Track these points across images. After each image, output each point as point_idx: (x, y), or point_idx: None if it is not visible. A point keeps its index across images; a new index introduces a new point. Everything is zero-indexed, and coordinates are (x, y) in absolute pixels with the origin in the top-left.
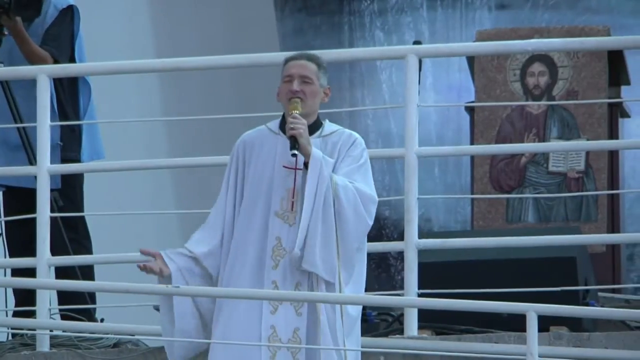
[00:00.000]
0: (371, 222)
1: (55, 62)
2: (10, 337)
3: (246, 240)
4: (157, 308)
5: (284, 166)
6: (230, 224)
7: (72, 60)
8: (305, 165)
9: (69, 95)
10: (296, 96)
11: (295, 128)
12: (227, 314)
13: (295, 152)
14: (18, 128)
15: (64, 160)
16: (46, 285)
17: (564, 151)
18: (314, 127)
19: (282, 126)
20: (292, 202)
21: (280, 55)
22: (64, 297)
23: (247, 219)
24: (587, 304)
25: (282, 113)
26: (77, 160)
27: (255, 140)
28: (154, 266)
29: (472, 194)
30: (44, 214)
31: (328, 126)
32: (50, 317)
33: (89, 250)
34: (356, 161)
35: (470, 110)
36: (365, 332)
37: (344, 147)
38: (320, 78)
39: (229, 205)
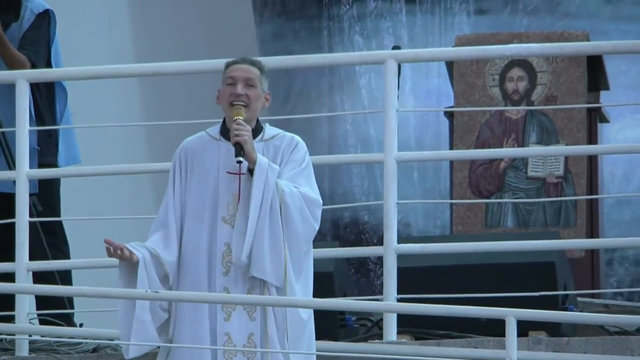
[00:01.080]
0: (317, 226)
1: (33, 66)
2: None
3: (197, 248)
4: None
5: (227, 172)
6: (180, 232)
7: (48, 64)
8: (250, 171)
9: (46, 100)
10: (240, 100)
11: (240, 135)
12: (181, 321)
13: (241, 159)
14: None
15: (41, 164)
16: (25, 290)
17: (543, 156)
18: (255, 131)
19: (223, 132)
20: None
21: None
22: (43, 302)
23: (195, 227)
24: (566, 309)
25: (222, 119)
26: (55, 164)
27: (196, 147)
28: (125, 249)
29: (451, 199)
30: (22, 219)
31: (269, 130)
32: (29, 322)
33: (66, 255)
34: (299, 165)
35: (449, 115)
36: (344, 337)
37: (287, 151)
38: (263, 83)
39: (177, 213)
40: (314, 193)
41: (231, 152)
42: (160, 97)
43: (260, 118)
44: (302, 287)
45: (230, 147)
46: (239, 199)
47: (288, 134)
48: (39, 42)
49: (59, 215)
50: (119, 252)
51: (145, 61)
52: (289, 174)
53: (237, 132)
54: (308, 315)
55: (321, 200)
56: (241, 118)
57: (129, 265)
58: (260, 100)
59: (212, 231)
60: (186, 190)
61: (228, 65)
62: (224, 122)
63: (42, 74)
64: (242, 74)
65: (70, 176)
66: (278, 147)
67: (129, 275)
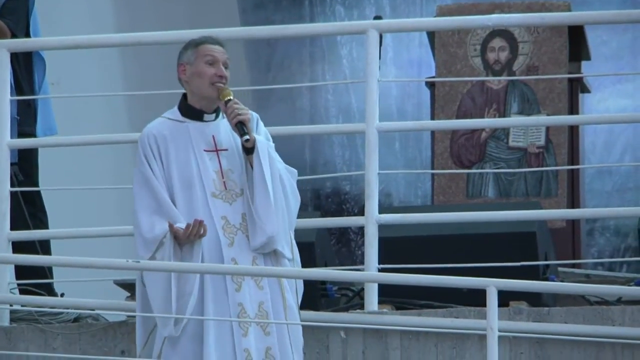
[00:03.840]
0: (299, 196)
1: (13, 35)
2: None
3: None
4: (117, 283)
5: (205, 150)
6: None
7: (27, 34)
8: (246, 149)
9: (25, 70)
10: (221, 82)
11: (242, 114)
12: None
13: (248, 137)
14: None
15: (20, 134)
16: (7, 260)
17: (524, 126)
18: (218, 109)
19: (187, 112)
20: (224, 182)
21: (242, 30)
22: (23, 271)
23: (187, 206)
24: (547, 279)
25: (180, 98)
26: (33, 134)
27: (164, 132)
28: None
29: (433, 169)
30: (3, 189)
31: None
32: (10, 292)
33: (45, 225)
34: (267, 139)
35: (430, 85)
36: (325, 307)
37: (253, 127)
38: None
39: (168, 196)
40: (287, 165)
41: (202, 130)
42: (140, 67)
43: (242, 88)
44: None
45: (199, 126)
46: (222, 174)
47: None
48: (18, 12)
49: (37, 185)
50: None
51: (126, 31)
52: None
53: (239, 111)
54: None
55: (296, 171)
56: (231, 98)
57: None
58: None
59: (205, 207)
60: (168, 173)
61: (201, 43)
62: (184, 102)
63: (22, 43)
64: (221, 56)
65: (51, 146)
66: None
67: (176, 251)
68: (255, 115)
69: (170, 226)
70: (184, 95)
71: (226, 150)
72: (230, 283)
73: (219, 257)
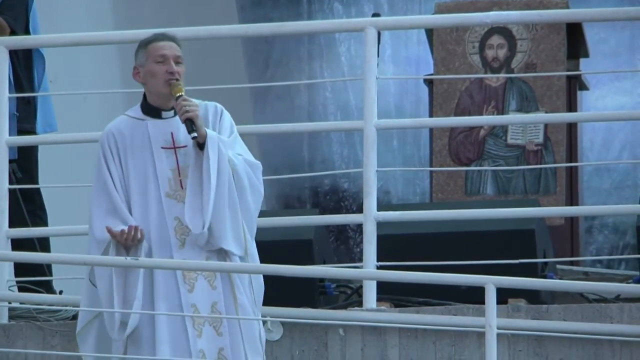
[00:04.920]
0: (262, 190)
1: (12, 32)
2: None
3: (147, 227)
4: None
5: (162, 147)
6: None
7: (26, 31)
8: (199, 145)
9: (24, 67)
10: (173, 78)
11: (190, 110)
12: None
13: (195, 134)
14: None
15: (20, 131)
16: (4, 257)
17: (523, 124)
18: None
19: (147, 110)
20: (180, 181)
21: (240, 28)
22: (22, 269)
23: (141, 207)
24: (545, 277)
25: (142, 95)
26: (33, 131)
27: (123, 130)
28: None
29: (431, 166)
30: (2, 186)
31: None
32: (9, 289)
33: (45, 222)
34: (231, 131)
35: (429, 82)
36: (324, 304)
37: (215, 120)
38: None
39: (122, 197)
40: (251, 157)
41: (160, 127)
42: None
43: (240, 85)
44: (255, 255)
45: (158, 123)
46: (179, 172)
47: (209, 103)
48: (17, 8)
49: (36, 182)
50: (132, 234)
51: (124, 29)
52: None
53: (187, 108)
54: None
55: (260, 163)
56: (183, 94)
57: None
58: (183, 77)
59: (159, 207)
60: (125, 173)
61: (149, 42)
62: (144, 100)
63: (21, 40)
64: (171, 52)
65: (49, 143)
66: (204, 116)
67: (120, 253)
68: (219, 107)
69: (109, 230)
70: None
71: (185, 147)
72: (182, 284)
73: (168, 257)
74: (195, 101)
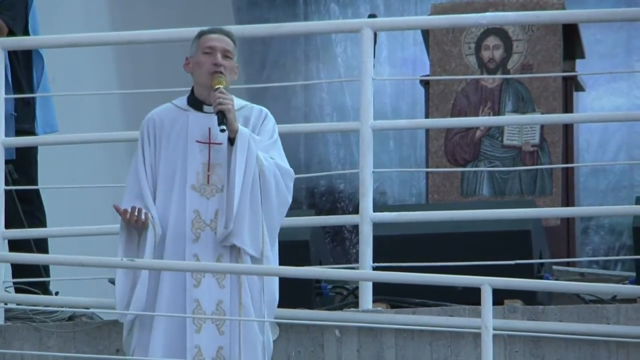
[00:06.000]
0: (290, 198)
1: (10, 31)
2: None
3: (166, 216)
4: (112, 281)
5: (197, 141)
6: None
7: (26, 31)
8: (230, 140)
9: (24, 68)
10: (219, 70)
11: (224, 103)
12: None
13: (224, 127)
14: None
15: (19, 131)
16: (2, 258)
17: (519, 125)
18: None
19: (192, 102)
20: (208, 176)
21: (236, 29)
22: (19, 270)
23: (164, 196)
24: (541, 277)
25: (191, 88)
26: (32, 132)
27: (164, 118)
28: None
29: (427, 167)
30: None
31: (237, 101)
32: (5, 290)
33: (43, 223)
34: (270, 136)
35: (425, 83)
36: (320, 305)
37: (257, 122)
38: (235, 55)
39: (150, 184)
40: (287, 165)
41: (200, 121)
42: (135, 66)
43: (236, 86)
44: (274, 259)
45: (199, 116)
46: (209, 167)
47: (256, 105)
48: (16, 8)
49: (36, 183)
50: (135, 216)
51: (121, 30)
52: (261, 145)
53: (220, 101)
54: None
55: (293, 172)
56: (222, 86)
57: (130, 228)
58: (233, 72)
59: (181, 198)
60: (157, 160)
61: (203, 34)
62: (191, 92)
63: (18, 41)
64: (220, 45)
65: (45, 144)
66: (247, 117)
67: (129, 237)
68: (264, 111)
69: (116, 207)
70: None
71: (220, 144)
72: (189, 278)
73: (181, 251)
74: (241, 102)
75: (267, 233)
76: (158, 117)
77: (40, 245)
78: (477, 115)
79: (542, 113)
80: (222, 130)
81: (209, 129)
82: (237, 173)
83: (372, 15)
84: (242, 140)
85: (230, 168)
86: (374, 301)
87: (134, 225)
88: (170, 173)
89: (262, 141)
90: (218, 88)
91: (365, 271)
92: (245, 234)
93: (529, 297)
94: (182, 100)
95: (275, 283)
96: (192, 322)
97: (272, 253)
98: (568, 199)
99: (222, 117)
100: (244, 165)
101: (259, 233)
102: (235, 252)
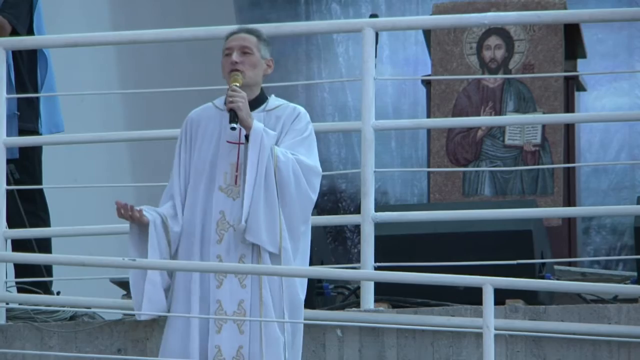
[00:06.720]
0: (315, 195)
1: (13, 30)
2: None
3: (193, 217)
4: (114, 281)
5: (227, 141)
6: (184, 203)
7: (30, 30)
8: (247, 138)
9: (28, 67)
10: (236, 68)
11: (234, 101)
12: (176, 290)
13: (235, 125)
14: None
15: (22, 131)
16: (3, 258)
17: (521, 124)
18: (259, 101)
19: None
20: (236, 176)
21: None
22: (20, 269)
23: (193, 195)
24: (543, 277)
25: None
26: (36, 131)
27: (201, 118)
28: (135, 210)
29: (429, 167)
30: (0, 187)
31: (273, 100)
32: (7, 290)
33: (46, 223)
34: (300, 134)
35: (426, 83)
36: (321, 305)
37: (288, 121)
38: (261, 50)
39: (182, 184)
40: (313, 161)
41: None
42: (137, 65)
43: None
44: (300, 257)
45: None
46: (237, 168)
47: (291, 104)
48: (20, 6)
49: (39, 183)
50: (129, 212)
51: (122, 29)
52: (289, 143)
53: (230, 99)
54: (303, 295)
55: (321, 170)
56: (237, 85)
57: (140, 227)
58: (259, 66)
59: (208, 198)
60: (190, 160)
61: (227, 37)
62: None
63: (19, 41)
64: (237, 43)
65: (47, 144)
66: (279, 117)
67: (139, 237)
68: (297, 110)
69: (117, 202)
70: None
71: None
72: (212, 279)
73: (206, 252)
74: (277, 102)
75: (287, 228)
76: (196, 116)
77: (43, 245)
78: (478, 115)
79: (544, 113)
80: (233, 129)
81: (240, 129)
82: (249, 169)
83: (373, 15)
84: (255, 136)
85: (246, 165)
86: (375, 301)
87: (131, 221)
88: (199, 173)
89: (284, 139)
90: (231, 86)
91: (366, 271)
92: (261, 230)
93: (531, 297)
94: (221, 100)
95: (293, 279)
96: (214, 323)
97: (298, 250)
98: (569, 199)
99: (234, 115)
100: (257, 161)
101: (275, 228)
102: (256, 251)
